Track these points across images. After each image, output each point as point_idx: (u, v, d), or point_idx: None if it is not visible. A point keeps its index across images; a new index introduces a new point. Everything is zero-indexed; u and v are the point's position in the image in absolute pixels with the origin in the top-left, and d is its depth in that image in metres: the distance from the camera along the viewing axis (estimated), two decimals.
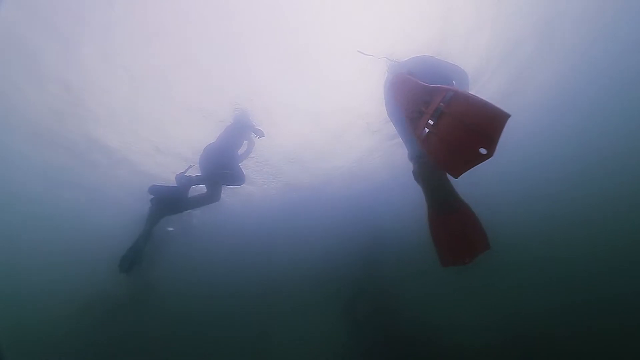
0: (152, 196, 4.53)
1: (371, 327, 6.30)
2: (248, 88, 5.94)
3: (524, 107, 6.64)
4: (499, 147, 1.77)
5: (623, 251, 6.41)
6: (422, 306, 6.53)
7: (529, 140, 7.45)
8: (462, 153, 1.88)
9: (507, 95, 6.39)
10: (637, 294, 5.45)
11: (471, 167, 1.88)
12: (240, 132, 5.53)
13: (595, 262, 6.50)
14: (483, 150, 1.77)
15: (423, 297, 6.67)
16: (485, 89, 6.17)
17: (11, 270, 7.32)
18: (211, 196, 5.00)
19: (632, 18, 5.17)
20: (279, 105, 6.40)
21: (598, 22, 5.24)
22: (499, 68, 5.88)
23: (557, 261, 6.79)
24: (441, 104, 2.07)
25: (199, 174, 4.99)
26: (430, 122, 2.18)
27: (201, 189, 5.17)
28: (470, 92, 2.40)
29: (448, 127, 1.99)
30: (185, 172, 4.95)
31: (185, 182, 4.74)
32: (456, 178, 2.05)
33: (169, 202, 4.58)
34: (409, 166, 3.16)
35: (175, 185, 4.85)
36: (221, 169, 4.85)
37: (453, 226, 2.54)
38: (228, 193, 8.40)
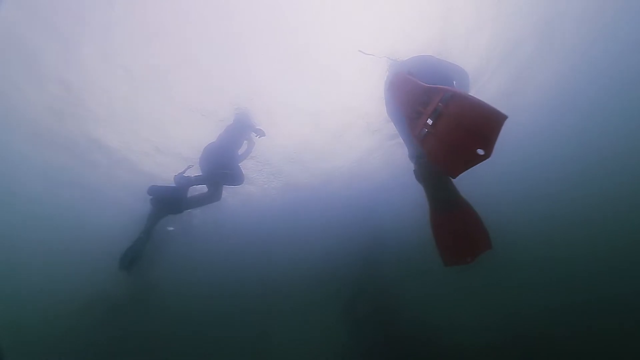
0: (151, 197, 4.53)
1: (371, 327, 6.31)
2: (248, 88, 5.94)
3: (524, 107, 6.64)
4: (497, 147, 1.78)
5: (623, 251, 6.41)
6: (422, 306, 6.53)
7: (529, 140, 7.44)
8: (460, 153, 1.89)
9: (507, 95, 6.39)
10: (637, 294, 5.45)
11: (469, 168, 1.89)
12: (240, 131, 5.53)
13: (595, 262, 6.50)
14: (480, 151, 1.77)
15: (423, 297, 6.67)
16: (486, 88, 6.17)
17: (11, 270, 7.32)
18: (212, 195, 5.01)
19: (632, 18, 5.16)
20: (279, 105, 6.40)
21: (598, 22, 5.24)
22: (499, 68, 5.88)
23: (557, 261, 6.79)
24: (440, 104, 2.07)
25: (199, 174, 5.00)
26: (429, 122, 2.18)
27: (202, 188, 5.17)
28: (468, 93, 2.40)
29: (446, 127, 2.00)
30: (183, 172, 4.94)
31: (184, 182, 4.74)
32: (454, 178, 2.05)
33: (168, 202, 4.58)
34: (409, 166, 3.16)
35: (174, 185, 4.85)
36: (221, 168, 4.85)
37: (455, 225, 2.54)
38: (229, 193, 8.40)
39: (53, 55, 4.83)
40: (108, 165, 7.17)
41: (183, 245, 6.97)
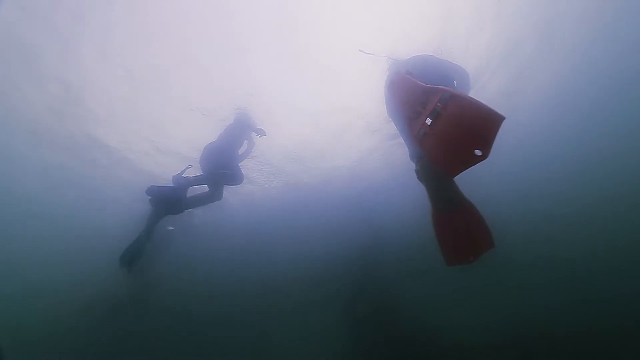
0: (150, 197, 4.53)
1: (371, 327, 6.31)
2: (248, 88, 5.94)
3: (524, 107, 6.64)
4: (497, 147, 1.78)
5: (623, 251, 6.41)
6: (422, 306, 6.53)
7: (529, 140, 7.45)
8: (458, 154, 1.89)
9: (507, 95, 6.39)
10: (637, 294, 5.45)
11: (467, 168, 1.89)
12: (241, 131, 5.53)
13: (595, 262, 6.51)
14: (478, 152, 1.77)
15: (423, 297, 6.67)
16: (486, 88, 6.17)
17: (11, 270, 7.32)
18: (213, 195, 5.00)
19: (632, 18, 5.16)
20: (280, 104, 6.40)
21: (598, 22, 5.24)
22: (499, 68, 5.88)
23: (557, 261, 6.80)
24: (438, 104, 2.07)
25: (199, 174, 4.99)
26: (428, 122, 2.18)
27: (203, 187, 5.16)
28: (466, 94, 2.40)
29: (444, 127, 2.00)
30: (182, 173, 4.92)
31: (184, 182, 4.72)
32: (453, 177, 2.06)
33: (167, 202, 4.58)
34: (409, 166, 3.16)
35: (173, 185, 4.83)
36: (221, 168, 4.85)
37: (457, 224, 2.52)
38: (229, 192, 8.39)
39: (53, 55, 4.82)
40: (108, 164, 7.17)
41: (183, 245, 6.97)
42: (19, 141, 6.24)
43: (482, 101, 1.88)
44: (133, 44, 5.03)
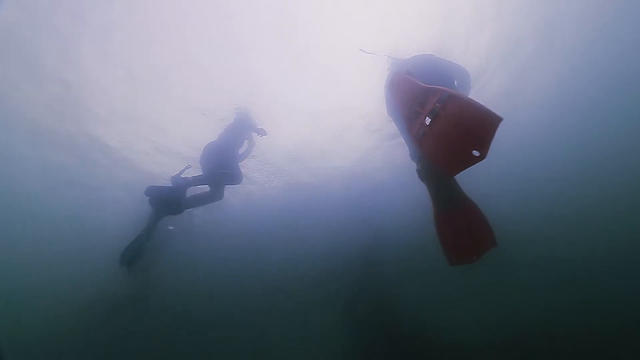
0: (149, 197, 4.52)
1: (371, 327, 6.30)
2: (248, 87, 5.94)
3: (524, 107, 6.64)
4: (497, 147, 1.79)
5: (623, 251, 6.41)
6: (422, 306, 6.53)
7: (529, 140, 7.45)
8: (456, 154, 1.90)
9: (507, 95, 6.39)
10: (637, 294, 5.45)
11: (465, 168, 1.90)
12: (241, 131, 5.53)
13: (595, 262, 6.51)
14: (476, 153, 1.78)
15: (423, 297, 6.67)
16: (486, 88, 6.17)
17: (11, 270, 7.32)
18: (213, 195, 5.00)
19: (632, 18, 5.16)
20: (280, 104, 6.40)
21: (598, 22, 5.24)
22: (499, 68, 5.88)
23: (557, 261, 6.80)
24: (437, 104, 2.07)
25: (199, 174, 4.98)
26: (427, 121, 2.18)
27: (204, 187, 5.16)
28: (466, 94, 2.40)
29: (442, 128, 2.01)
30: (181, 173, 4.92)
31: (183, 183, 4.71)
32: (452, 176, 2.06)
33: (167, 202, 4.57)
34: (409, 166, 3.16)
35: (172, 186, 4.82)
36: (221, 168, 4.85)
37: (459, 224, 2.53)
38: (229, 192, 8.39)
39: (53, 55, 4.82)
40: (108, 164, 7.17)
41: (183, 244, 6.97)
42: (19, 141, 6.23)
43: (481, 102, 1.88)
44: (133, 44, 5.03)
